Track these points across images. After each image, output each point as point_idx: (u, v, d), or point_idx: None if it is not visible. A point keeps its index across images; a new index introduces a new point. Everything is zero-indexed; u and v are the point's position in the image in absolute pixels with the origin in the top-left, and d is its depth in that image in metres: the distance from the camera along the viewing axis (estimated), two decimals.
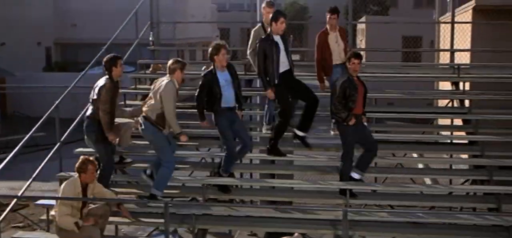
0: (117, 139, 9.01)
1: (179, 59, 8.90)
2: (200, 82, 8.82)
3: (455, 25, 13.35)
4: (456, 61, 13.01)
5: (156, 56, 13.16)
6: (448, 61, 13.24)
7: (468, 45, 14.81)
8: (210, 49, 8.70)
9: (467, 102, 11.02)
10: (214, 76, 8.71)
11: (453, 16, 12.73)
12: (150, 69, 12.62)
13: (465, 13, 16.35)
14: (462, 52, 14.47)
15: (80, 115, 9.66)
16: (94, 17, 30.26)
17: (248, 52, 10.22)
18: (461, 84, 11.40)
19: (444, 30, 18.25)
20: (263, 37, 9.16)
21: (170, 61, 8.73)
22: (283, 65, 8.98)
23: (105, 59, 8.81)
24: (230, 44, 15.02)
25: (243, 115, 9.10)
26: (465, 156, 10.70)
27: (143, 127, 8.69)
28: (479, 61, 13.33)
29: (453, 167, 10.58)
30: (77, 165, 8.07)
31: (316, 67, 9.87)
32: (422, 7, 38.66)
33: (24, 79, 26.18)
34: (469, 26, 15.51)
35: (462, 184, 10.39)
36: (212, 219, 9.08)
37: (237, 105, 8.89)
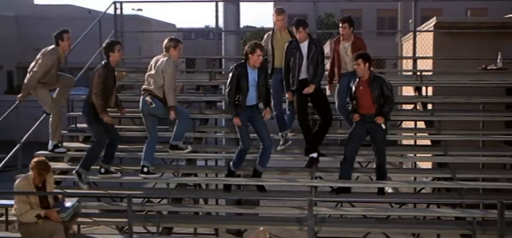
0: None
1: (173, 37, 9.14)
2: (230, 76, 8.70)
3: (418, 41, 13.71)
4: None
5: (120, 66, 13.02)
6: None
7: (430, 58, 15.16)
8: (246, 47, 8.63)
9: (429, 106, 11.22)
10: (245, 71, 8.60)
11: (415, 25, 13.01)
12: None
13: (428, 27, 16.98)
14: (424, 64, 14.77)
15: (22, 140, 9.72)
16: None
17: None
18: (423, 89, 11.62)
19: (407, 49, 18.72)
20: (290, 40, 9.23)
21: (165, 41, 9.01)
22: (303, 73, 9.02)
23: (104, 44, 9.07)
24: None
25: (265, 115, 8.82)
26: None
27: (154, 105, 8.78)
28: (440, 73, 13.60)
29: (418, 166, 10.69)
30: (31, 164, 7.86)
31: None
32: (385, 35, 39.45)
33: None
34: (431, 41, 16.04)
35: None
36: (177, 217, 8.98)
37: (259, 103, 8.80)
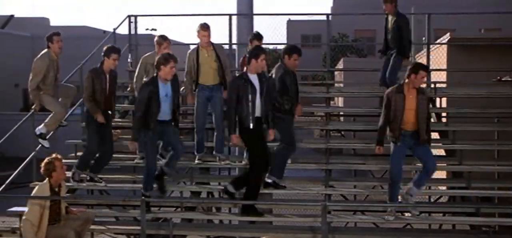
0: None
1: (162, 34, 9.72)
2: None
3: (431, 58, 13.71)
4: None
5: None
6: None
7: (444, 73, 15.12)
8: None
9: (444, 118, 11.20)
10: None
11: (429, 37, 12.99)
12: (129, 89, 12.62)
13: (440, 47, 16.98)
14: (438, 78, 14.74)
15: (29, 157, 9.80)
16: (70, 60, 30.30)
17: (185, 74, 9.82)
18: (437, 101, 11.61)
19: None
20: (236, 75, 8.89)
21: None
22: (258, 110, 8.23)
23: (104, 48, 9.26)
24: None
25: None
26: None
27: None
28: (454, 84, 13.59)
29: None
30: (42, 169, 7.87)
31: None
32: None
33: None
34: (444, 57, 16.00)
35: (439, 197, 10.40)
36: (190, 225, 8.97)
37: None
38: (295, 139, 8.83)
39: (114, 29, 12.58)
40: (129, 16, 12.95)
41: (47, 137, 9.83)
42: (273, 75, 8.71)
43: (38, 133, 9.72)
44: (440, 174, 11.06)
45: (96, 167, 9.26)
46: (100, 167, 9.30)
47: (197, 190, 9.54)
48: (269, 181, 8.75)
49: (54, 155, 7.97)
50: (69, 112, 10.47)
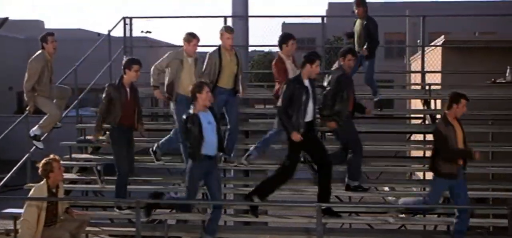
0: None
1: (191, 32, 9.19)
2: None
3: (426, 60, 13.75)
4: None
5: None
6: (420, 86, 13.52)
7: (439, 75, 15.16)
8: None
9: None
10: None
11: (423, 40, 13.02)
12: None
13: (435, 49, 17.02)
14: (433, 80, 14.78)
15: (23, 159, 9.72)
16: (64, 63, 30.20)
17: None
18: (432, 103, 11.65)
19: (415, 68, 18.77)
20: (291, 78, 8.51)
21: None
22: (309, 115, 8.18)
23: (124, 61, 8.92)
24: None
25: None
26: None
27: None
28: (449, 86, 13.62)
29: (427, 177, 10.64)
30: (40, 170, 7.84)
31: None
32: (393, 58, 39.53)
33: None
34: (439, 59, 16.06)
35: None
36: (185, 226, 8.96)
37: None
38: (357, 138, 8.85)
39: (109, 31, 12.59)
40: (124, 18, 12.97)
41: (42, 139, 9.81)
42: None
43: (32, 134, 9.69)
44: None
45: (119, 190, 8.72)
46: (122, 189, 8.75)
47: None
48: (355, 184, 8.79)
49: (52, 156, 7.95)
50: (63, 114, 10.44)
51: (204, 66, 9.30)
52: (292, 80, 8.24)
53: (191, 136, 7.63)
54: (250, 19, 12.94)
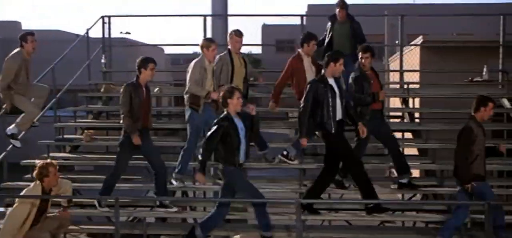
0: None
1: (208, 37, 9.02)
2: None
3: (405, 60, 13.90)
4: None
5: (108, 79, 13.13)
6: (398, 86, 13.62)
7: (417, 74, 15.30)
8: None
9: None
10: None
11: (402, 39, 13.14)
12: (102, 89, 12.56)
13: (413, 50, 17.22)
14: (411, 79, 14.91)
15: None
16: (45, 64, 29.91)
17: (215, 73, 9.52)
18: (410, 101, 11.76)
19: (394, 68, 18.92)
20: (315, 78, 8.53)
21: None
22: (339, 113, 8.19)
23: (139, 59, 8.58)
24: None
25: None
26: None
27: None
28: (427, 85, 13.78)
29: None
30: (36, 172, 7.80)
31: None
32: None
33: None
34: (417, 59, 16.25)
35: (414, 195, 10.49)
36: (164, 225, 8.92)
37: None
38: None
39: (88, 30, 12.53)
40: (102, 17, 12.91)
41: (19, 137, 9.71)
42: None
43: (9, 133, 9.59)
44: (413, 173, 11.15)
45: (160, 190, 8.55)
46: (163, 188, 8.58)
47: (172, 189, 9.43)
48: (404, 181, 8.91)
49: (49, 160, 7.98)
50: (40, 114, 10.34)
51: (218, 69, 9.20)
52: (316, 81, 8.30)
53: (226, 141, 7.51)
54: (229, 19, 12.95)
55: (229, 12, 13.01)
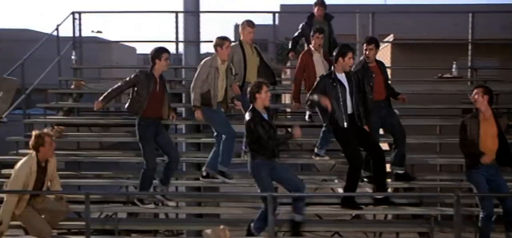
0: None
1: (221, 36, 8.79)
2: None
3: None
4: None
5: (78, 75, 13.00)
6: None
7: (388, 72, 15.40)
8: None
9: None
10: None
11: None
12: (73, 86, 12.45)
13: (385, 48, 17.37)
14: None
15: None
16: (13, 64, 29.49)
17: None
18: None
19: None
20: (323, 74, 8.54)
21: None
22: (349, 108, 8.21)
23: (153, 49, 8.43)
24: None
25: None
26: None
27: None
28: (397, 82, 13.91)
29: None
30: (31, 141, 7.70)
31: None
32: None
33: None
34: (388, 56, 16.36)
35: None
36: (136, 220, 8.86)
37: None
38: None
39: (58, 26, 12.36)
40: (73, 13, 12.76)
41: None
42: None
43: None
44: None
45: (165, 179, 8.55)
46: (168, 179, 8.62)
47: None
48: (401, 172, 8.99)
49: (45, 130, 7.87)
50: (7, 112, 10.18)
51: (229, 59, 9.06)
52: (325, 76, 8.32)
53: (257, 136, 7.45)
54: (202, 16, 12.94)
55: (201, 9, 13.00)
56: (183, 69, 12.86)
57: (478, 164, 7.74)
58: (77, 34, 12.78)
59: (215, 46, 8.75)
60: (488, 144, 7.74)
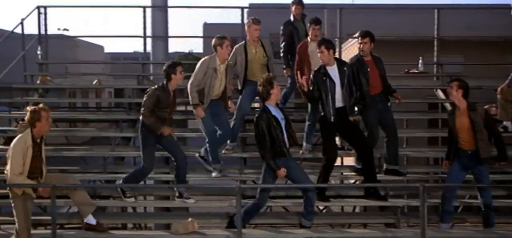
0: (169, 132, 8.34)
1: (220, 35, 8.72)
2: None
3: (344, 56, 14.13)
4: None
5: (45, 71, 12.83)
6: None
7: None
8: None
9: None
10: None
11: (340, 31, 13.35)
12: (39, 81, 12.28)
13: (353, 45, 17.57)
14: None
15: None
16: None
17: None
18: None
19: None
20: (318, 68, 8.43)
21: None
22: (339, 102, 8.24)
23: (165, 65, 8.36)
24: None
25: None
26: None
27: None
28: None
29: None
30: (27, 117, 7.51)
31: None
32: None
33: None
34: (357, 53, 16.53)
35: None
36: (103, 214, 8.78)
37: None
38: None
39: (22, 20, 12.16)
40: (38, 7, 12.57)
41: None
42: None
43: None
44: (352, 161, 11.37)
45: (180, 181, 8.43)
46: (182, 180, 8.45)
47: (110, 179, 9.31)
48: (390, 168, 9.00)
49: (41, 105, 7.66)
50: None
51: (232, 61, 9.10)
52: (317, 70, 8.32)
53: (268, 135, 7.49)
54: (170, 12, 12.89)
55: (169, 4, 12.95)
56: (151, 65, 12.79)
57: (453, 155, 8.02)
58: (42, 29, 12.60)
59: (215, 46, 8.71)
60: (464, 136, 7.92)
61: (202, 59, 8.89)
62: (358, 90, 8.54)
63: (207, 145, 8.86)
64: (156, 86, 8.32)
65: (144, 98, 8.23)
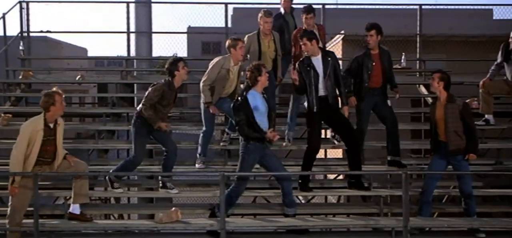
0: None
1: (235, 36, 8.79)
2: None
3: None
4: None
5: (27, 66, 12.79)
6: None
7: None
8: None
9: None
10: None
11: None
12: (21, 76, 12.22)
13: (336, 44, 17.70)
14: None
15: None
16: None
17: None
18: None
19: None
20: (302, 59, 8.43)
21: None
22: (322, 91, 8.27)
23: (167, 63, 8.30)
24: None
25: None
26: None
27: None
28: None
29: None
30: (41, 102, 7.43)
31: None
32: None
33: None
34: (340, 52, 16.67)
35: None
36: (86, 205, 8.69)
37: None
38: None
39: (4, 14, 12.13)
40: (20, 2, 12.52)
41: None
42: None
43: None
44: (338, 154, 11.45)
45: (165, 169, 8.45)
46: (168, 170, 8.46)
47: (94, 172, 9.24)
48: (391, 159, 9.01)
49: (55, 89, 7.58)
50: None
51: (246, 49, 9.08)
52: (301, 61, 8.35)
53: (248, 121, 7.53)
54: (153, 7, 12.90)
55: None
56: (134, 60, 12.78)
57: (434, 147, 8.11)
58: (24, 24, 12.55)
59: (229, 47, 8.72)
60: (441, 128, 7.98)
61: (216, 59, 8.90)
62: (357, 84, 8.63)
63: (201, 135, 8.90)
64: (163, 80, 8.28)
65: (149, 90, 8.19)
